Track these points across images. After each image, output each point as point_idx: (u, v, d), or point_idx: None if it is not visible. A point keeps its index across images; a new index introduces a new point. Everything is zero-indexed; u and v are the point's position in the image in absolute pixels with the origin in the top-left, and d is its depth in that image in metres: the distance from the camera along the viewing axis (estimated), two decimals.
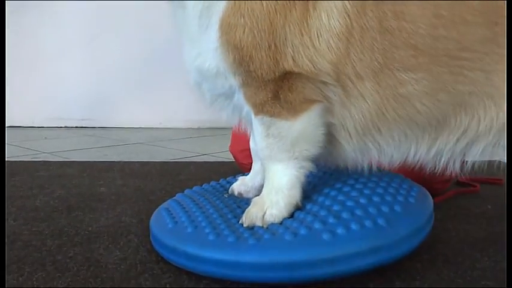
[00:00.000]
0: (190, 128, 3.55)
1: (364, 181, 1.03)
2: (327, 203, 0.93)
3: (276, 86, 0.91)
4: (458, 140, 0.98)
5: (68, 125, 3.61)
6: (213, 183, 1.24)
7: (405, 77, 0.91)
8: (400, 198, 0.96)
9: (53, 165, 1.98)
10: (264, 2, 0.88)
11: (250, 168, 1.21)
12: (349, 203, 0.91)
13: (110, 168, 1.90)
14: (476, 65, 0.91)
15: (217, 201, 1.07)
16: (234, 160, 1.72)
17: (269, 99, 0.92)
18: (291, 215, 0.93)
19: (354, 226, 0.85)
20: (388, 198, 0.95)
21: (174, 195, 1.18)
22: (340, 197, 0.94)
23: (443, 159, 1.01)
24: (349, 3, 0.89)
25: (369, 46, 0.89)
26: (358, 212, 0.89)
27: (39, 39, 3.54)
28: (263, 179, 1.13)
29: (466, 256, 1.00)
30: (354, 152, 1.00)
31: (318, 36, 0.89)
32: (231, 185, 1.18)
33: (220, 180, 1.26)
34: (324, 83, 0.92)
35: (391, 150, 1.00)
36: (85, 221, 1.22)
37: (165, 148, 2.64)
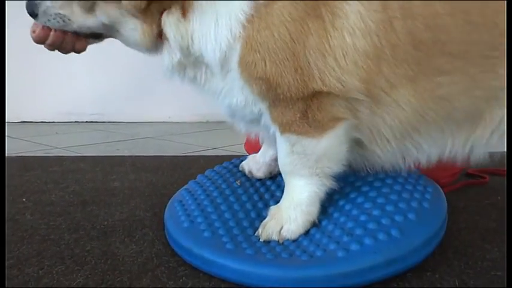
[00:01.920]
0: (199, 121, 3.57)
1: (378, 186, 1.03)
2: (342, 219, 0.94)
3: (305, 105, 0.92)
4: (492, 132, 0.99)
5: (78, 120, 3.65)
6: (225, 163, 1.27)
7: (442, 80, 0.93)
8: (414, 205, 0.96)
9: (65, 160, 2.01)
10: (275, 33, 0.87)
11: None
12: (363, 218, 0.92)
13: (122, 162, 1.92)
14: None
15: (231, 196, 1.09)
16: (244, 153, 1.73)
17: (297, 118, 0.93)
18: (307, 232, 0.94)
19: (367, 241, 0.86)
20: (402, 205, 0.95)
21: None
22: (354, 212, 0.95)
23: (476, 152, 1.02)
24: (371, 22, 0.89)
25: (403, 59, 0.90)
26: (371, 226, 0.89)
27: None
28: (275, 153, 1.14)
29: (476, 247, 1.01)
30: (394, 154, 1.02)
31: (343, 56, 0.89)
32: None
33: (233, 160, 1.29)
34: (354, 99, 0.92)
35: (429, 147, 1.01)
36: (100, 215, 1.25)
37: (175, 142, 2.66)
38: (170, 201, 1.13)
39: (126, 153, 2.27)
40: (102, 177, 1.68)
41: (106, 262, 0.95)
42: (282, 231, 0.94)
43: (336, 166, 0.97)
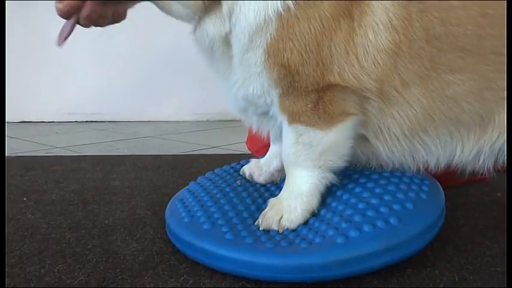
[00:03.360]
0: (199, 120, 3.57)
1: (375, 178, 1.03)
2: (340, 208, 0.95)
3: (317, 97, 0.92)
4: (499, 136, 0.98)
5: (78, 120, 3.65)
6: (225, 167, 1.26)
7: (452, 79, 0.92)
8: (412, 195, 0.97)
9: (66, 159, 2.01)
10: (311, 26, 0.89)
11: None
12: (361, 205, 0.93)
13: (122, 162, 1.93)
14: None
15: (231, 192, 1.09)
16: (245, 152, 1.74)
17: (308, 109, 0.93)
18: (306, 222, 0.95)
19: (366, 228, 0.86)
20: (400, 195, 0.96)
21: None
22: (352, 200, 0.95)
23: (482, 158, 1.01)
24: (395, 17, 0.90)
25: (417, 55, 0.91)
26: (370, 213, 0.90)
27: (49, 34, 3.56)
28: (279, 164, 1.15)
29: (475, 243, 1.02)
30: (403, 153, 1.02)
31: (364, 55, 0.90)
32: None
33: (233, 164, 1.28)
34: (366, 97, 0.93)
35: (438, 150, 1.01)
36: (101, 214, 1.25)
37: (175, 141, 2.67)
38: (171, 200, 1.13)
39: (126, 152, 2.27)
40: (103, 176, 1.68)
41: (107, 260, 0.96)
42: (281, 220, 0.94)
43: (339, 160, 0.98)
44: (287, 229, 0.93)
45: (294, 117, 0.95)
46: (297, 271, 0.82)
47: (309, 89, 0.91)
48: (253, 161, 1.22)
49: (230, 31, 0.93)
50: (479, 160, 1.02)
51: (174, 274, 0.89)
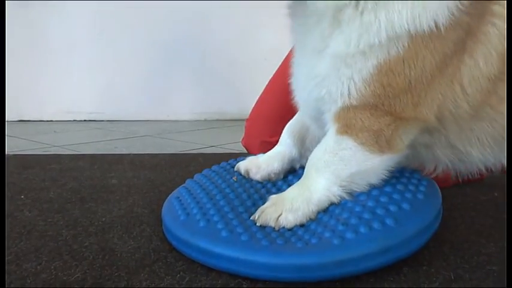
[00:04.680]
0: (197, 120, 3.57)
1: None
2: (337, 211, 0.94)
3: (391, 122, 0.91)
4: None
5: (76, 119, 3.65)
6: (223, 163, 1.26)
7: None
8: (409, 195, 0.96)
9: (64, 158, 2.01)
10: (433, 58, 0.87)
11: None
12: (358, 208, 0.92)
13: (120, 160, 1.93)
14: None
15: (227, 188, 1.09)
16: (242, 151, 1.73)
17: (372, 129, 0.92)
18: (302, 224, 0.94)
19: (362, 229, 0.86)
20: (396, 196, 0.95)
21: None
22: (349, 204, 0.95)
23: None
24: (502, 45, 0.91)
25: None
26: (366, 216, 0.90)
27: (48, 33, 3.57)
28: (279, 167, 1.14)
29: (472, 242, 1.02)
30: (494, 155, 1.04)
31: (470, 83, 0.92)
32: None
33: (230, 160, 1.27)
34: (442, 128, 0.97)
35: None
36: (98, 211, 1.25)
37: (173, 140, 2.67)
38: (168, 198, 1.13)
39: (124, 151, 2.27)
40: (100, 174, 1.68)
41: (104, 258, 0.96)
42: (280, 218, 0.93)
43: (363, 187, 0.97)
44: (283, 228, 0.93)
45: (348, 130, 0.93)
46: (292, 270, 0.83)
47: (389, 112, 0.90)
48: (250, 157, 1.21)
49: (359, 11, 0.88)
50: None
51: (170, 272, 0.89)
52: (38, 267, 0.92)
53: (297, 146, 1.16)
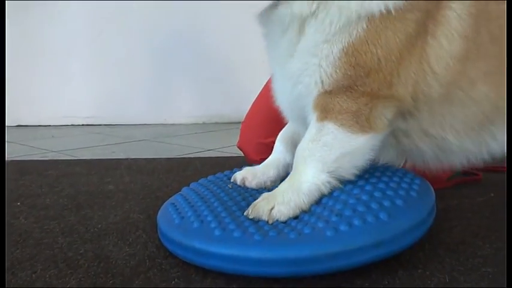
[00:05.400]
0: (195, 123, 3.57)
1: (366, 177, 1.03)
2: (330, 203, 0.94)
3: (368, 102, 0.94)
4: None
5: (74, 123, 3.65)
6: (219, 174, 1.26)
7: None
8: (402, 192, 0.97)
9: (61, 163, 2.01)
10: (396, 37, 0.92)
11: None
12: (351, 201, 0.93)
13: (117, 165, 1.93)
14: None
15: (222, 193, 1.09)
16: (239, 155, 1.73)
17: (351, 110, 0.94)
18: (296, 217, 0.95)
19: (356, 222, 0.86)
20: (390, 192, 0.96)
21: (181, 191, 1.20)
22: (343, 196, 0.95)
23: None
24: (468, 27, 0.96)
25: (484, 56, 0.98)
26: (360, 209, 0.90)
27: (44, 38, 3.57)
28: (275, 174, 1.15)
29: (467, 244, 1.02)
30: (474, 146, 1.06)
31: (437, 62, 0.96)
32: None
33: (226, 172, 1.27)
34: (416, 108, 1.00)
35: (502, 137, 1.05)
36: (94, 218, 1.25)
37: (171, 144, 2.67)
38: (164, 204, 1.13)
39: (121, 155, 2.27)
40: (97, 180, 1.68)
41: (99, 265, 0.96)
42: (272, 211, 0.93)
43: (351, 170, 0.98)
44: (276, 220, 0.93)
45: (327, 115, 0.96)
46: (286, 265, 0.82)
47: (365, 93, 0.93)
48: (246, 167, 1.21)
49: (315, 14, 0.94)
50: None
51: (165, 278, 0.89)
52: (33, 275, 0.92)
53: (290, 152, 1.16)
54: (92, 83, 3.62)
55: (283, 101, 1.10)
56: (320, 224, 0.87)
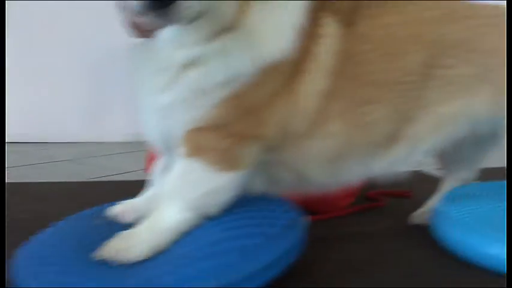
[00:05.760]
0: (130, 142, 3.45)
1: (236, 211, 0.99)
2: (182, 242, 0.91)
3: (237, 141, 0.95)
4: (411, 148, 1.08)
5: None
6: (94, 208, 1.17)
7: (367, 109, 1.02)
8: (265, 229, 0.93)
9: None
10: (273, 84, 0.95)
11: None
12: (203, 241, 0.89)
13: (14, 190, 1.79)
14: (417, 85, 1.03)
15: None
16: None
17: (221, 148, 0.94)
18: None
19: (202, 264, 0.83)
20: (250, 230, 0.93)
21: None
22: (198, 233, 0.92)
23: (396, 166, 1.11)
24: (332, 66, 0.98)
25: (339, 94, 1.00)
26: (212, 249, 0.87)
27: None
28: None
29: (339, 279, 0.98)
30: (330, 176, 1.09)
31: (304, 99, 0.97)
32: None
33: (104, 205, 1.18)
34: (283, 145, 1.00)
35: (357, 167, 1.09)
36: None
37: (89, 165, 2.55)
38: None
39: (25, 179, 2.12)
40: None
41: None
42: (124, 251, 0.89)
43: (214, 208, 0.97)
44: (129, 261, 0.87)
45: (195, 152, 0.94)
46: None
47: (234, 133, 0.94)
48: (124, 201, 1.14)
49: (196, 65, 0.92)
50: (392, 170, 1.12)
51: None
52: None
53: None
54: (18, 98, 3.45)
55: (152, 133, 1.06)
56: (165, 268, 0.83)
